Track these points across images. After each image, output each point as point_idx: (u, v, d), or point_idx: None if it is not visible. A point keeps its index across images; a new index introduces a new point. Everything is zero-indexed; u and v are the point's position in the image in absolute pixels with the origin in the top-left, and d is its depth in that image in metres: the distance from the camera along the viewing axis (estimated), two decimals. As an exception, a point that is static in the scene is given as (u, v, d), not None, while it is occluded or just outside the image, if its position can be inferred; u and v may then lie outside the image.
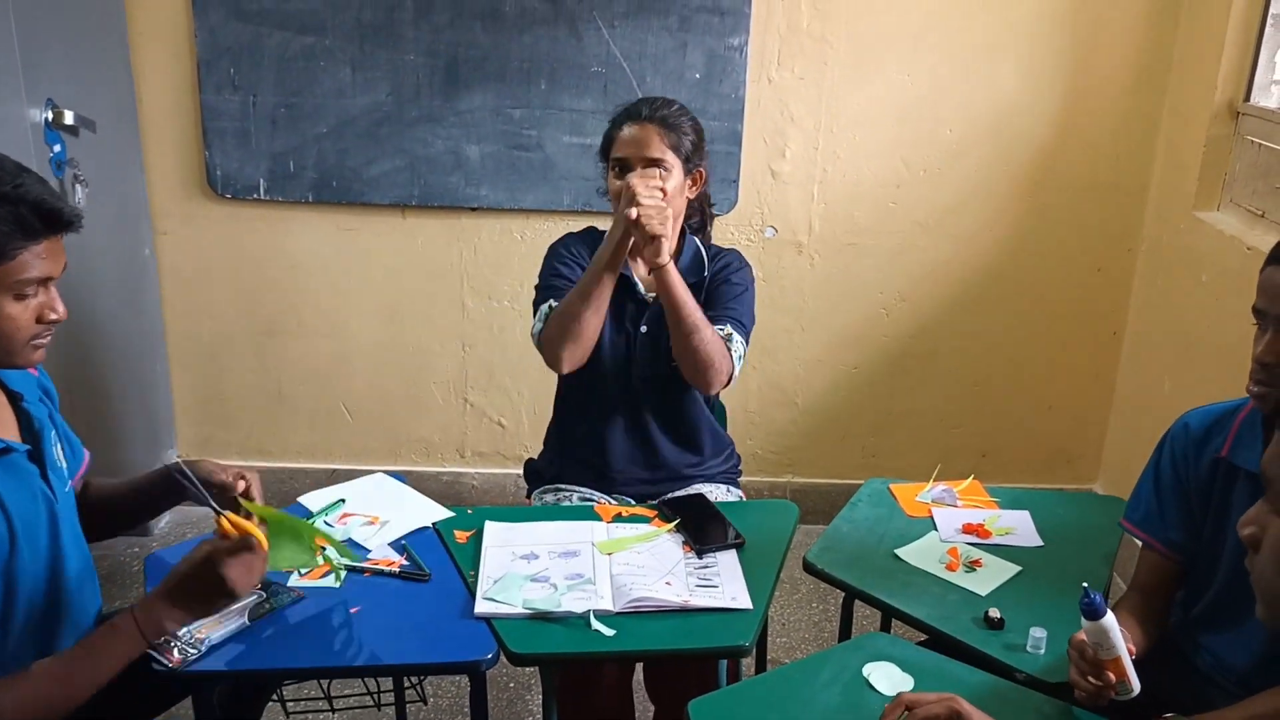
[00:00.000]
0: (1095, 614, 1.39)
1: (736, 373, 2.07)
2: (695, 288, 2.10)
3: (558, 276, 2.13)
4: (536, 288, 2.17)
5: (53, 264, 1.45)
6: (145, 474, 1.74)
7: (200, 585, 1.45)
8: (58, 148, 2.56)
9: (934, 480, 2.11)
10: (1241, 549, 1.56)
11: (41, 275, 1.43)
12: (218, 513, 1.49)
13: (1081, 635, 1.43)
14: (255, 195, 3.05)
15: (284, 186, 3.04)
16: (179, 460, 1.70)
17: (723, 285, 2.13)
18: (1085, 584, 1.39)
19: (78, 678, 1.42)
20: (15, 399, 1.57)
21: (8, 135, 2.39)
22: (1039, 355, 3.28)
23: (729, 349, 2.04)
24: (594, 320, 2.03)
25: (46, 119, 2.51)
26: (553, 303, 2.08)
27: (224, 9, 2.88)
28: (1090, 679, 1.43)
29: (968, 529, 1.94)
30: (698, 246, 2.16)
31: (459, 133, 3.00)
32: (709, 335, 2.00)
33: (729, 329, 2.07)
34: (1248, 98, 2.71)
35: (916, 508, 2.03)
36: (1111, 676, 1.41)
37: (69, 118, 2.54)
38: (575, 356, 2.06)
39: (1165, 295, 3.01)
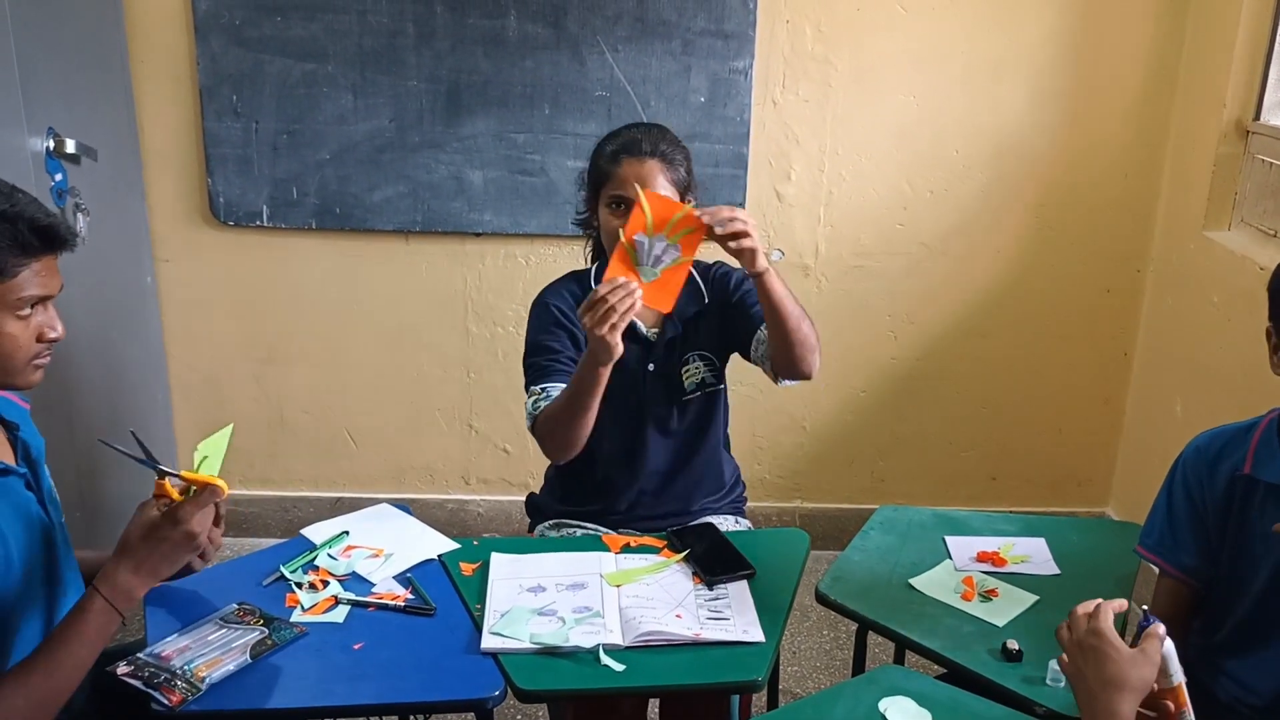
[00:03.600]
0: None
1: None
2: (703, 314, 2.07)
3: (544, 352, 2.01)
4: (525, 356, 2.05)
5: (50, 282, 1.46)
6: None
7: (164, 542, 1.46)
8: (59, 176, 2.54)
9: None
10: (1268, 570, 1.54)
11: (40, 293, 1.44)
12: (161, 475, 1.54)
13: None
14: (257, 222, 3.04)
15: (286, 213, 3.03)
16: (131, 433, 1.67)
17: (755, 306, 2.01)
18: (1144, 607, 1.34)
19: (59, 667, 1.40)
20: (11, 428, 1.55)
21: (8, 164, 2.37)
22: (1048, 377, 3.25)
23: None
24: (588, 419, 1.91)
25: (48, 147, 2.49)
26: (545, 388, 1.97)
27: (225, 36, 2.88)
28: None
29: (982, 557, 1.91)
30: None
31: (461, 158, 2.99)
32: (808, 325, 1.93)
33: None
34: (1258, 116, 2.69)
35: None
36: (1171, 706, 1.35)
37: (70, 146, 2.53)
38: (572, 453, 1.97)
39: (1175, 316, 2.98)
